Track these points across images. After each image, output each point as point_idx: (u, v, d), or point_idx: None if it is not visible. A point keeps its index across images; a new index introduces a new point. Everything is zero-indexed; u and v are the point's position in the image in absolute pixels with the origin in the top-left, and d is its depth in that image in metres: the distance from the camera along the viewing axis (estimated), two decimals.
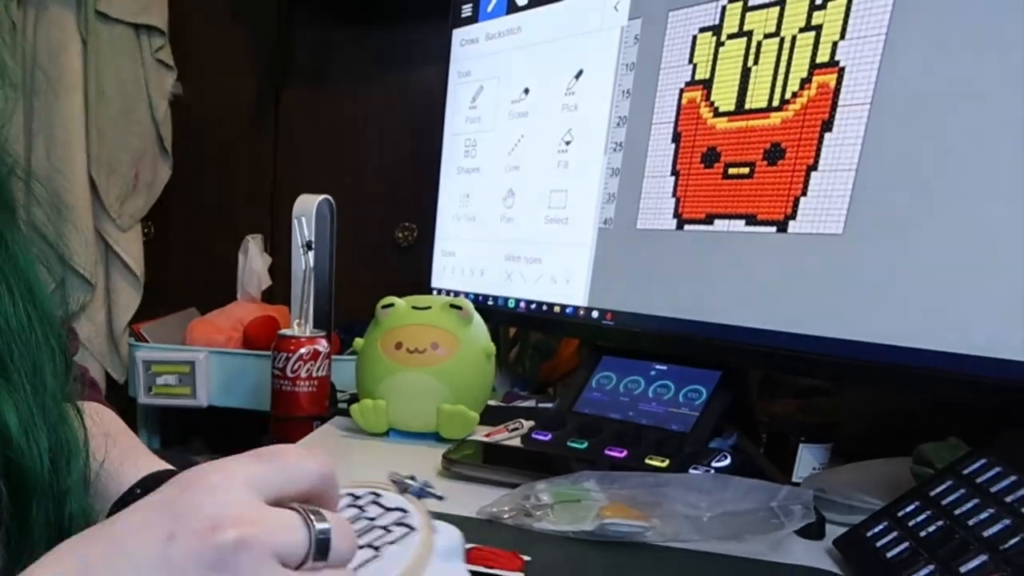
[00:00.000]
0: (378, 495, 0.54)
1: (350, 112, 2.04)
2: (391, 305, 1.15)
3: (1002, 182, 0.73)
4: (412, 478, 0.55)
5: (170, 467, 0.75)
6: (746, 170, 0.92)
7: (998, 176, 0.73)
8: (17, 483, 0.57)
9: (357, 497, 0.53)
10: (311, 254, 1.31)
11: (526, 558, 0.70)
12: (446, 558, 0.50)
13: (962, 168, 0.75)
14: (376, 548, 0.48)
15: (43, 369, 0.60)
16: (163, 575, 0.38)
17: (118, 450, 0.76)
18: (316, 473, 0.44)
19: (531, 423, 1.12)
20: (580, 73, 1.12)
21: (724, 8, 0.93)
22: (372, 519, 0.51)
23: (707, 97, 0.96)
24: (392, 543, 0.48)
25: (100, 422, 0.80)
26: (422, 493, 0.54)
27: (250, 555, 0.38)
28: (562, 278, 1.16)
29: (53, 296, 0.66)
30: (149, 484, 0.70)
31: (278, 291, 1.97)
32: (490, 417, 1.18)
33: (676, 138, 0.99)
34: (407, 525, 0.50)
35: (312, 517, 0.41)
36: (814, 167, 0.86)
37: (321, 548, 0.41)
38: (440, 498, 0.56)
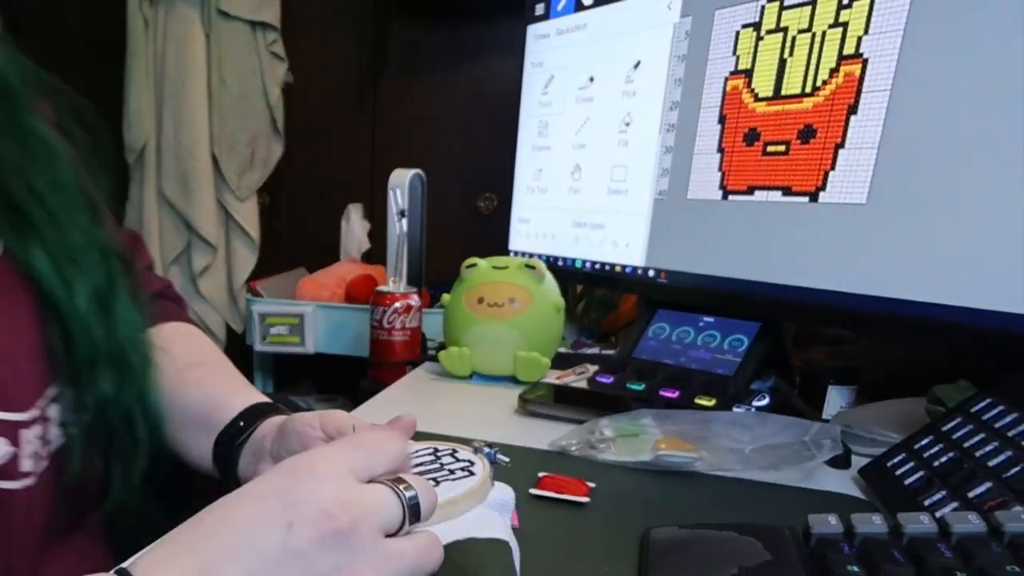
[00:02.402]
0: (455, 451, 0.56)
1: (438, 97, 2.04)
2: (474, 265, 1.16)
3: (1003, 159, 0.73)
4: (490, 446, 0.57)
5: (267, 399, 0.72)
6: (782, 148, 0.92)
7: (1000, 154, 0.73)
8: (57, 319, 0.59)
9: (439, 451, 0.56)
10: (404, 221, 1.32)
11: (591, 485, 0.70)
12: (496, 508, 0.51)
13: (969, 146, 0.76)
14: (436, 482, 0.50)
15: (72, 212, 0.62)
16: (287, 560, 0.38)
17: (217, 382, 0.75)
18: (396, 452, 0.45)
19: (595, 367, 1.12)
20: (638, 64, 1.11)
21: (763, 7, 0.93)
22: (443, 465, 0.53)
23: (748, 84, 0.96)
24: (450, 481, 0.50)
25: (194, 348, 0.80)
26: (493, 458, 0.55)
27: (361, 535, 0.39)
28: (622, 242, 1.17)
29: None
30: (251, 415, 0.68)
31: (376, 253, 1.99)
32: (560, 362, 1.19)
33: (721, 120, 0.99)
34: (469, 472, 0.52)
35: (401, 488, 0.43)
36: (841, 145, 0.86)
37: (414, 512, 0.42)
38: (507, 463, 0.56)
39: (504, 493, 0.53)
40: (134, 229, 0.87)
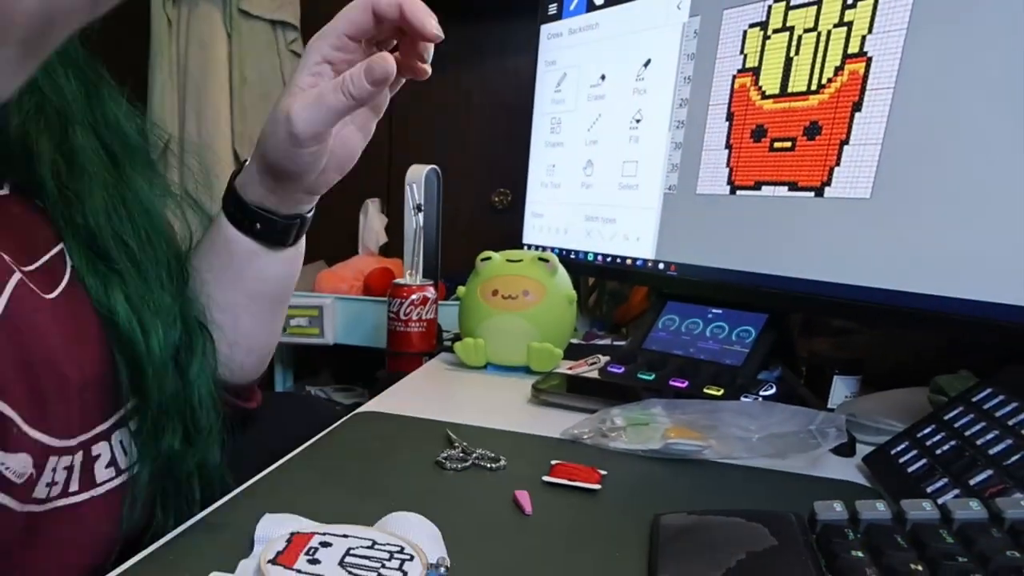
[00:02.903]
0: (402, 549, 0.49)
1: (454, 95, 2.04)
2: (488, 258, 1.16)
3: (1004, 154, 0.73)
4: (443, 560, 0.49)
5: None
6: (789, 144, 0.92)
7: (1001, 149, 0.74)
8: (132, 362, 0.57)
9: (378, 543, 0.50)
10: (421, 215, 1.32)
11: (603, 472, 0.70)
12: None
13: (971, 141, 0.76)
14: None
15: (159, 273, 0.61)
16: None
17: None
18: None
19: (607, 358, 1.13)
20: (648, 62, 1.11)
21: (770, 7, 0.93)
22: (379, 560, 0.47)
23: (756, 82, 0.96)
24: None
25: None
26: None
27: None
28: (633, 236, 1.17)
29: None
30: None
31: (393, 246, 2.00)
32: (572, 353, 1.20)
33: (729, 117, 0.99)
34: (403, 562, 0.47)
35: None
36: (846, 141, 0.86)
37: None
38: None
39: None
40: None
